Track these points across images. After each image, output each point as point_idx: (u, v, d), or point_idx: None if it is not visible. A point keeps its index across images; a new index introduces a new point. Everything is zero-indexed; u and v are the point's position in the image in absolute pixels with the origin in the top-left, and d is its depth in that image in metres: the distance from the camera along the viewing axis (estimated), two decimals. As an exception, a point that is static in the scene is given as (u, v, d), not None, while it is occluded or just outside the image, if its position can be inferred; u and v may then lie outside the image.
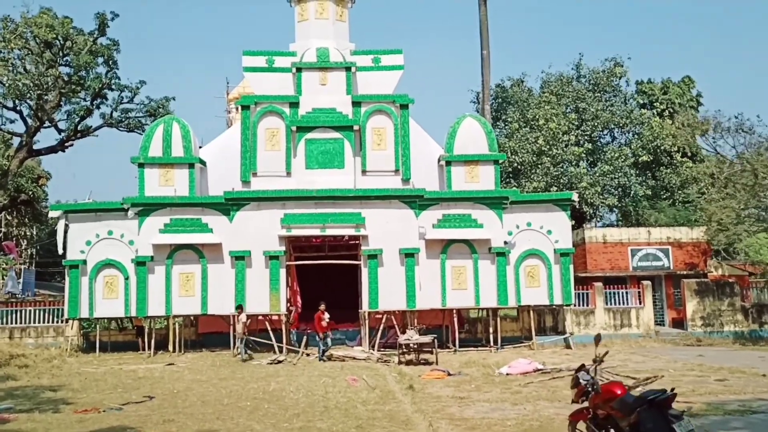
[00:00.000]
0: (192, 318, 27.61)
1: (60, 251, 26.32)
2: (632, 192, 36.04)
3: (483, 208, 26.24)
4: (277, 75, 27.25)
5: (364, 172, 26.60)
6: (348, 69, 26.93)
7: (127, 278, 25.61)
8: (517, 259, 26.63)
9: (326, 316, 23.01)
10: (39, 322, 28.21)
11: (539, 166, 34.82)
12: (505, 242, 26.34)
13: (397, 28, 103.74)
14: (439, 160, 27.52)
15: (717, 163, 35.20)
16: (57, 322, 28.11)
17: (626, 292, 29.90)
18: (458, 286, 26.03)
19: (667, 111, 40.45)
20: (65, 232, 26.16)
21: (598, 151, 37.73)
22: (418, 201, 25.66)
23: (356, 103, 26.77)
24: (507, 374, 18.98)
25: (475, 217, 26.17)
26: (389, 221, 25.48)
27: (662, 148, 37.24)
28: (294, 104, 26.62)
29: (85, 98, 34.61)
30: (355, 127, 26.41)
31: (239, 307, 24.13)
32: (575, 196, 27.25)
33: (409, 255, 25.38)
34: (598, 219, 36.44)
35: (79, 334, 27.30)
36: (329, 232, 25.52)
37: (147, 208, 25.50)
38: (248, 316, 24.61)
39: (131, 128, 35.42)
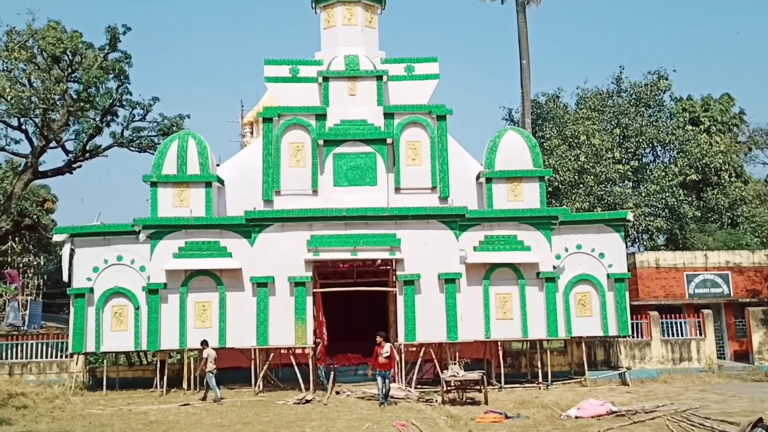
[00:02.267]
0: (208, 352, 25.06)
1: (65, 278, 24.00)
2: (681, 213, 33.40)
3: (529, 229, 23.74)
4: (301, 85, 25.06)
5: (397, 189, 24.20)
6: (379, 78, 24.70)
7: (137, 308, 23.24)
8: (567, 285, 24.08)
9: (385, 350, 19.15)
10: (41, 357, 25.77)
11: (581, 185, 32.35)
12: (554, 267, 23.81)
13: (427, 38, 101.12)
14: (477, 177, 25.13)
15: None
16: (61, 356, 25.71)
17: (683, 322, 27.18)
18: (503, 315, 23.47)
19: (712, 128, 37.95)
20: (71, 257, 23.91)
21: (642, 170, 35.25)
22: (458, 221, 23.21)
23: (389, 115, 24.47)
24: (576, 417, 16.34)
25: (521, 239, 23.67)
26: (427, 243, 23.02)
27: (712, 166, 34.71)
28: (321, 116, 24.36)
29: (94, 117, 32.55)
30: (388, 141, 24.09)
31: (204, 343, 21.33)
32: (630, 216, 24.73)
33: (449, 281, 22.85)
34: (643, 243, 33.83)
35: (85, 370, 24.91)
36: (361, 255, 23.05)
37: (160, 230, 23.18)
38: (270, 349, 22.20)
39: (143, 148, 33.30)
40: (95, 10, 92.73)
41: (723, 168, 35.63)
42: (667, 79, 36.34)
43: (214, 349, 21.38)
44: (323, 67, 24.96)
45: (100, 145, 33.05)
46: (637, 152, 35.11)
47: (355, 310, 30.14)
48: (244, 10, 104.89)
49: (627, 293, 24.30)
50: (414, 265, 22.84)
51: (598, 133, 32.90)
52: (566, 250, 24.32)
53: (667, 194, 33.06)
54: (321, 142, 24.00)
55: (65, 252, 23.88)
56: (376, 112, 24.45)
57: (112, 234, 23.66)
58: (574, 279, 24.17)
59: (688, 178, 34.14)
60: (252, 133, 41.71)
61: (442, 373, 20.94)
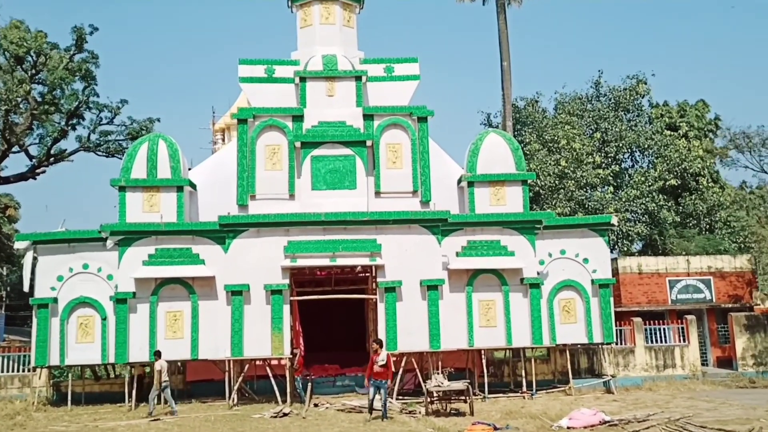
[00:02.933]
0: (179, 364, 24.03)
1: (26, 288, 22.78)
2: (660, 219, 33.09)
3: (513, 234, 23.11)
4: (277, 86, 24.19)
5: (377, 193, 23.41)
6: (358, 78, 23.94)
7: (104, 318, 22.10)
8: (551, 291, 23.47)
9: (381, 357, 17.76)
10: (2, 371, 24.47)
11: (562, 190, 31.86)
12: (538, 272, 23.20)
13: (406, 40, 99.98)
14: (459, 181, 24.45)
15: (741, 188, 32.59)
16: (23, 370, 24.43)
17: (666, 328, 26.74)
18: (486, 323, 22.77)
19: (689, 134, 37.81)
20: (33, 266, 22.67)
21: (622, 175, 34.94)
22: (441, 226, 22.49)
23: (368, 116, 23.71)
24: (568, 428, 15.65)
25: (505, 244, 23.03)
26: (408, 249, 22.24)
27: (690, 171, 34.49)
28: (298, 117, 23.50)
29: (59, 121, 31.29)
30: (368, 143, 23.31)
31: (157, 354, 20.32)
32: (614, 220, 24.23)
33: (431, 287, 22.10)
34: (624, 248, 33.43)
35: (49, 384, 23.59)
36: (340, 261, 22.18)
37: (129, 236, 22.10)
38: (245, 361, 21.25)
39: (111, 153, 32.08)
40: (60, 9, 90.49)
41: (701, 173, 35.45)
42: (646, 83, 36.13)
43: (186, 361, 20.36)
44: (300, 67, 24.13)
45: (66, 150, 31.84)
46: (617, 157, 34.79)
47: (332, 320, 29.21)
48: (216, 12, 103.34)
49: (612, 299, 23.76)
50: (395, 272, 22.06)
51: (578, 137, 32.49)
52: (550, 255, 23.74)
53: (647, 199, 32.73)
54: (298, 144, 23.14)
55: (27, 260, 22.65)
56: (356, 113, 23.68)
57: (77, 241, 22.50)
58: (558, 285, 23.58)
59: (667, 183, 33.87)
60: (224, 139, 40.69)
61: (424, 383, 20.18)
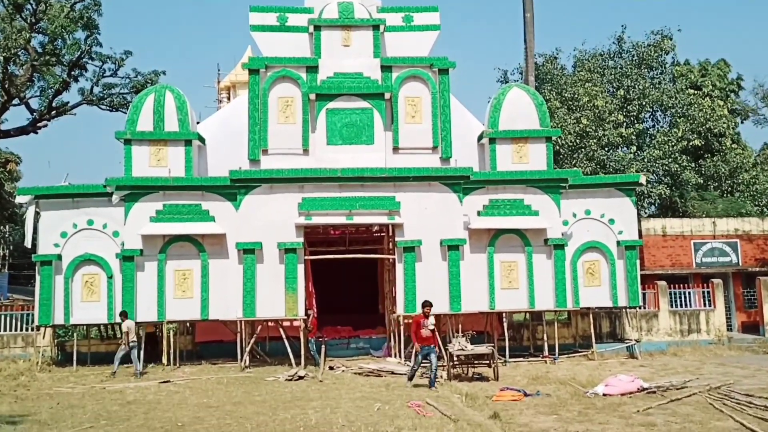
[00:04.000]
0: (188, 324, 23.23)
1: (27, 243, 21.87)
2: (683, 180, 31.97)
3: (537, 193, 22.09)
4: (290, 35, 22.93)
5: (395, 149, 22.29)
6: (376, 27, 22.67)
7: (110, 277, 21.23)
8: (574, 253, 22.52)
9: (431, 321, 16.42)
10: (5, 330, 23.71)
11: (582, 149, 30.69)
12: (562, 233, 22.22)
13: None
14: (479, 138, 23.32)
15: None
16: (27, 329, 23.65)
17: (691, 292, 25.84)
18: (508, 284, 21.85)
19: (711, 94, 36.47)
20: (35, 221, 21.74)
21: (644, 134, 33.73)
22: (462, 183, 21.45)
23: (386, 68, 22.47)
24: (604, 395, 14.79)
25: (528, 203, 22.01)
26: (428, 207, 21.27)
27: (715, 131, 33.27)
28: (312, 68, 22.29)
29: (60, 73, 30.03)
30: (386, 95, 22.13)
31: (123, 314, 19.76)
32: (643, 179, 23.13)
33: (452, 247, 21.16)
34: (644, 210, 32.37)
35: (53, 344, 22.88)
36: (357, 220, 21.20)
37: (135, 191, 21.10)
38: (257, 322, 20.44)
39: (115, 106, 30.85)
40: None
41: (724, 134, 34.22)
42: (671, 39, 34.67)
43: (195, 321, 19.51)
44: (314, 15, 22.84)
45: (68, 102, 30.58)
46: (639, 116, 33.50)
47: (344, 282, 28.36)
48: None
49: (638, 262, 22.82)
50: (414, 231, 21.10)
51: (601, 94, 31.20)
52: (574, 215, 22.75)
53: (670, 160, 31.57)
54: (312, 96, 21.97)
55: (29, 215, 21.71)
56: (373, 64, 22.45)
57: (81, 196, 21.55)
58: (582, 246, 22.62)
59: (690, 144, 32.67)
60: (229, 98, 39.42)
61: (444, 346, 19.34)
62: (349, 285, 28.48)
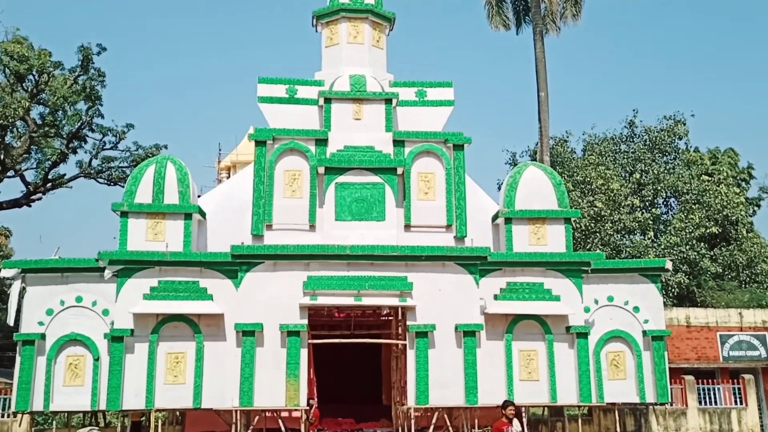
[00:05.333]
0: (178, 414, 21.37)
1: (11, 322, 20.26)
2: (701, 269, 30.70)
3: (558, 276, 20.73)
4: (299, 108, 22.08)
5: (407, 226, 21.05)
6: (388, 101, 21.85)
7: (97, 359, 19.55)
8: (597, 343, 20.95)
9: (515, 428, 12.67)
10: (-21, 416, 21.84)
11: (597, 233, 29.55)
12: (586, 321, 20.75)
13: (435, 67, 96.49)
14: (494, 218, 22.15)
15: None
16: (3, 415, 21.77)
17: (719, 388, 24.14)
18: (528, 376, 20.20)
19: (723, 182, 35.72)
20: (20, 297, 20.21)
21: (658, 220, 32.69)
22: (479, 264, 20.13)
23: (399, 142, 21.50)
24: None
25: (549, 287, 20.62)
26: (442, 289, 19.85)
27: (733, 218, 32.27)
28: (321, 141, 21.32)
29: (59, 146, 29.16)
30: (399, 170, 21.08)
31: None
32: (669, 265, 21.83)
33: (468, 333, 19.63)
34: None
35: (30, 432, 20.93)
36: (366, 301, 19.73)
37: (129, 266, 19.68)
38: (254, 412, 18.62)
39: (114, 180, 29.83)
40: (66, 28, 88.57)
41: (741, 222, 33.23)
42: (684, 124, 34.16)
43: (187, 409, 17.68)
44: (325, 87, 22.06)
45: (64, 174, 29.52)
46: (654, 201, 32.57)
47: (345, 369, 26.65)
48: (229, 41, 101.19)
49: (666, 354, 21.24)
50: (427, 315, 19.60)
51: (615, 177, 30.36)
52: (596, 302, 21.29)
53: (687, 247, 30.39)
54: (321, 169, 20.88)
55: (14, 290, 20.17)
56: (385, 138, 21.51)
57: (71, 270, 20.11)
58: (605, 336, 21.08)
59: (707, 231, 31.57)
60: (229, 177, 38.70)
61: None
62: (351, 373, 26.75)
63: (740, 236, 33.57)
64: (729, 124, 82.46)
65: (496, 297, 20.37)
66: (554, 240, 21.51)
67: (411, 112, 22.45)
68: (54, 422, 20.18)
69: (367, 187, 20.85)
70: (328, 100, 21.75)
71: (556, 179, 22.38)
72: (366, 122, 21.67)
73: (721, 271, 32.03)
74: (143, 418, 21.27)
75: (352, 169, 20.92)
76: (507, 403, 12.84)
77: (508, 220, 21.54)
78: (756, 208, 37.82)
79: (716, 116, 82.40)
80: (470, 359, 19.45)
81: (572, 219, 22.33)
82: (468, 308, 19.79)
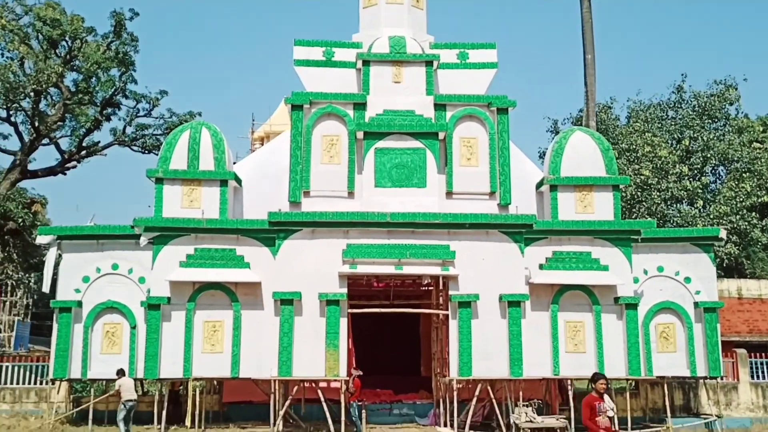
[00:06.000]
0: (215, 382, 21.11)
1: (46, 289, 20.09)
2: (752, 239, 29.54)
3: (606, 245, 19.90)
4: (336, 71, 21.35)
5: (449, 193, 20.32)
6: (429, 63, 21.02)
7: (134, 327, 19.29)
8: (646, 314, 20.14)
9: (608, 403, 10.91)
10: (17, 383, 21.80)
11: (643, 203, 28.50)
12: (634, 292, 19.93)
13: (474, 28, 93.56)
14: (539, 185, 21.33)
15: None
16: (41, 383, 21.74)
17: (770, 362, 23.20)
18: (574, 348, 19.50)
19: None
20: (56, 264, 19.99)
21: (707, 189, 31.49)
22: (524, 232, 19.39)
23: (440, 106, 20.71)
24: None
25: (596, 257, 19.81)
26: (486, 258, 19.18)
27: (785, 188, 30.99)
28: (360, 105, 20.60)
29: (93, 114, 28.82)
30: (441, 135, 20.31)
31: (120, 371, 17.72)
32: (723, 233, 20.85)
33: (513, 304, 18.96)
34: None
35: (68, 399, 20.94)
36: (407, 270, 19.12)
37: (165, 233, 19.32)
38: (293, 382, 18.29)
39: (148, 148, 29.45)
40: None
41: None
42: (736, 89, 32.70)
43: (225, 378, 17.43)
44: (363, 49, 21.27)
45: (98, 142, 29.27)
46: (703, 169, 31.34)
47: (383, 340, 26.23)
48: (263, 10, 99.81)
49: (719, 326, 20.36)
50: (471, 284, 18.96)
51: (663, 144, 29.19)
52: (645, 272, 20.44)
53: (737, 217, 29.22)
54: (360, 134, 20.21)
55: (50, 257, 19.96)
56: (426, 102, 20.72)
57: (107, 237, 19.82)
58: (654, 307, 20.25)
59: (759, 201, 30.30)
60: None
61: (503, 417, 17.00)
62: (389, 344, 26.31)
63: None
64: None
65: (541, 266, 19.62)
66: (601, 208, 20.62)
67: (452, 75, 21.58)
68: (92, 390, 20.01)
69: (408, 152, 20.15)
70: (366, 63, 20.99)
71: (604, 144, 21.41)
72: (406, 85, 20.88)
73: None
74: (181, 387, 21.06)
75: (391, 134, 20.22)
76: (597, 376, 11.19)
77: (553, 187, 20.71)
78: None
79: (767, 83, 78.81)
80: (515, 330, 18.80)
81: (620, 186, 21.40)
82: (513, 278, 19.10)
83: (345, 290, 18.85)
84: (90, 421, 19.05)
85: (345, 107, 20.60)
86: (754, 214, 30.22)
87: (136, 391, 18.18)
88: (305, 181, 20.17)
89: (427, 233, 19.16)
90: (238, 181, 20.90)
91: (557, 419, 16.10)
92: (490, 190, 20.38)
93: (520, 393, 18.58)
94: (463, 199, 20.29)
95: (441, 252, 19.03)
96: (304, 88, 21.17)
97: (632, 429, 19.44)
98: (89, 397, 19.92)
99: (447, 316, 19.36)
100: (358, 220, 19.04)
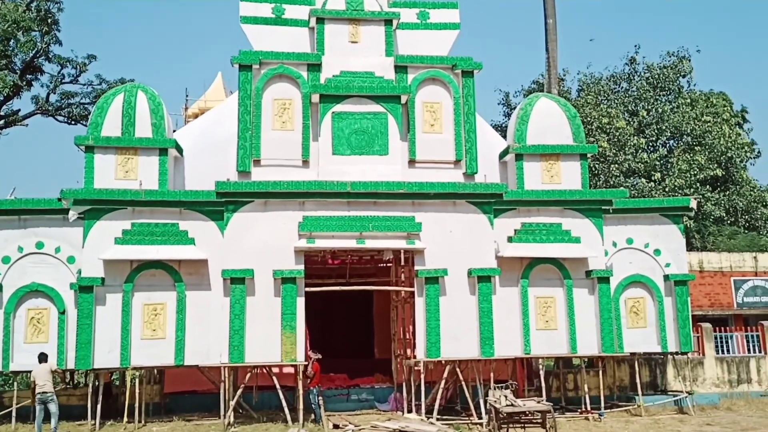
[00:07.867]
0: (156, 372, 19.18)
1: (-39, 270, 17.76)
2: (704, 213, 29.26)
3: (576, 216, 18.92)
4: (287, 30, 19.55)
5: (411, 162, 18.84)
6: (388, 22, 19.47)
7: (62, 312, 17.26)
8: (616, 288, 19.33)
9: None
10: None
11: (601, 175, 27.76)
12: (604, 265, 19.02)
13: None
14: (502, 154, 20.13)
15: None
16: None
17: (735, 336, 22.82)
18: (545, 324, 18.50)
19: (728, 123, 34.16)
20: (-28, 244, 17.67)
21: (662, 163, 31.05)
22: (493, 203, 18.16)
23: (401, 68, 19.15)
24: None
25: (567, 228, 18.80)
26: (453, 230, 17.90)
27: (738, 160, 30.80)
28: (314, 66, 18.88)
29: (12, 78, 26.11)
30: (403, 98, 18.80)
31: (43, 357, 15.59)
32: (693, 203, 20.13)
33: (483, 279, 17.74)
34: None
35: (-13, 395, 18.62)
36: (370, 244, 17.61)
37: (97, 207, 17.28)
38: (244, 368, 16.66)
39: (75, 119, 26.90)
40: None
41: (742, 165, 31.83)
42: (689, 61, 32.35)
43: (166, 367, 15.58)
44: (317, 6, 19.52)
45: (18, 110, 26.54)
46: (657, 142, 30.87)
47: (334, 321, 24.73)
48: None
49: (689, 299, 19.68)
50: (438, 259, 17.63)
51: (619, 116, 28.53)
52: (614, 245, 19.60)
53: (692, 190, 28.87)
54: (315, 97, 18.50)
55: (-35, 236, 17.61)
56: (385, 63, 19.17)
57: (30, 213, 17.68)
58: (624, 281, 19.47)
59: (710, 174, 30.05)
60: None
61: (475, 399, 15.78)
62: (341, 325, 24.85)
63: (740, 179, 32.18)
64: (722, 68, 79.62)
65: (510, 239, 18.49)
66: (569, 177, 19.62)
67: (412, 36, 20.09)
68: (15, 383, 17.85)
69: (368, 117, 18.57)
70: (320, 21, 19.26)
71: (571, 111, 20.38)
72: (364, 45, 19.29)
73: (723, 215, 30.65)
74: (114, 377, 19.08)
75: (350, 97, 18.58)
76: None
77: (518, 157, 19.57)
78: (754, 154, 36.44)
79: (712, 59, 79.23)
80: (485, 307, 17.60)
81: (592, 153, 20.45)
82: (482, 251, 17.90)
83: (302, 267, 17.26)
84: (13, 419, 16.93)
85: (298, 68, 18.83)
86: (707, 187, 29.97)
87: (65, 383, 16.07)
88: (255, 149, 18.33)
89: (391, 204, 17.74)
90: (179, 150, 18.96)
91: (538, 401, 14.96)
92: (456, 158, 18.99)
93: (491, 374, 17.40)
94: (426, 167, 18.81)
95: (406, 224, 17.63)
96: (252, 49, 19.30)
97: (598, 408, 18.58)
98: (12, 392, 17.76)
99: (411, 293, 18.00)
100: (315, 190, 17.47)
